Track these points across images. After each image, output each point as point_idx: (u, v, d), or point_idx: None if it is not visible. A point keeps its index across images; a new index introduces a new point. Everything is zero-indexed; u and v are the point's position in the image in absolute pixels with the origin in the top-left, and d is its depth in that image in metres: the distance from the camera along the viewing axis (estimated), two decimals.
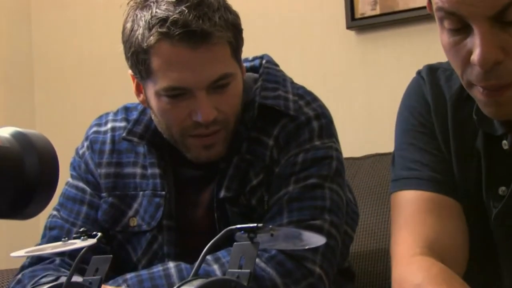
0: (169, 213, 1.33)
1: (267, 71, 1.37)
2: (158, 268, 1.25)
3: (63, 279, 1.04)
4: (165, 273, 1.23)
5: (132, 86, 1.33)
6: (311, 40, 2.30)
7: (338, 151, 1.34)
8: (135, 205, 1.36)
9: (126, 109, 1.43)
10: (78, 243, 0.78)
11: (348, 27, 2.19)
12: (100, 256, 0.82)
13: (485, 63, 0.86)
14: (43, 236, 1.39)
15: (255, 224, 0.74)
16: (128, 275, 1.24)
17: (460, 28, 0.88)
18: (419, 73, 1.17)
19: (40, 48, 2.68)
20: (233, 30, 1.24)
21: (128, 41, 1.25)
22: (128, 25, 1.25)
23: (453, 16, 0.88)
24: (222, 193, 1.29)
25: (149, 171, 1.35)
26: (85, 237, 0.78)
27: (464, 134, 1.07)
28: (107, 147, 1.39)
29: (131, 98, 1.43)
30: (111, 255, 0.93)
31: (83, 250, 0.79)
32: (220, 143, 1.27)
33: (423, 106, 1.12)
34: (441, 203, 1.07)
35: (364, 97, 2.20)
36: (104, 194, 1.37)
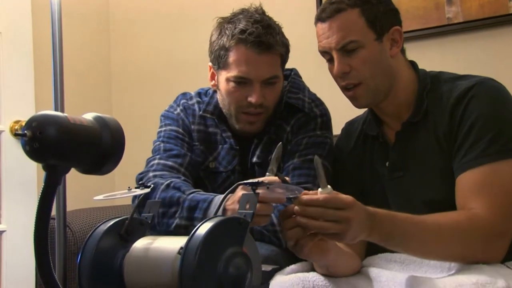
0: (240, 162, 1.81)
1: (293, 80, 1.88)
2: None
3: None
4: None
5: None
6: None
7: (331, 140, 1.82)
8: (215, 154, 1.83)
9: (199, 93, 1.93)
10: (138, 191, 1.10)
11: None
12: (153, 200, 1.15)
13: (339, 72, 1.57)
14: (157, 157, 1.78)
15: (257, 180, 1.06)
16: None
17: (331, 58, 1.58)
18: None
19: (116, 55, 3.26)
20: (285, 48, 1.75)
21: (215, 42, 1.75)
22: (217, 32, 1.75)
23: (325, 53, 1.59)
24: (254, 159, 1.79)
25: (224, 134, 1.83)
26: (143, 187, 1.11)
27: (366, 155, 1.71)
28: (196, 112, 1.87)
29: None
30: (161, 200, 1.26)
31: (141, 195, 1.10)
32: (260, 122, 1.77)
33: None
34: None
35: None
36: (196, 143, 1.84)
